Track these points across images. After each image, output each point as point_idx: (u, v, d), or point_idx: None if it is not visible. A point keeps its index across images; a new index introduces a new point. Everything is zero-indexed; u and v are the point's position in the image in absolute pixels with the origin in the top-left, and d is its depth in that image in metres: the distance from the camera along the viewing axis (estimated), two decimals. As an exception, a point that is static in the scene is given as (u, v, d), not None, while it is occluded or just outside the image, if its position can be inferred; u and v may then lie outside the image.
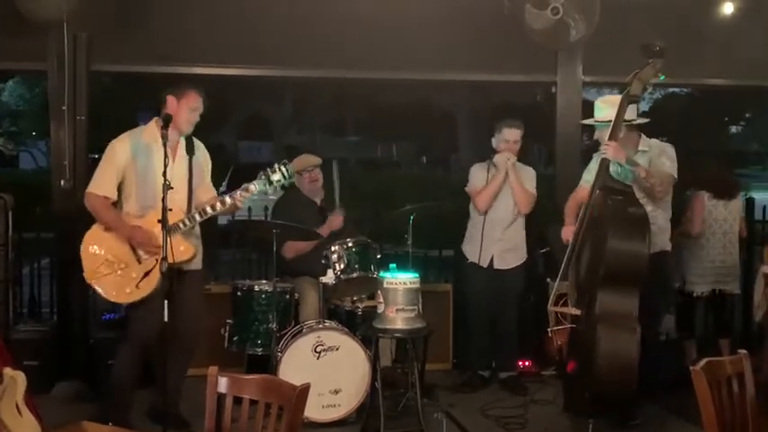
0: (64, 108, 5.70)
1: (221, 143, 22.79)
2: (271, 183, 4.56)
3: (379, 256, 5.21)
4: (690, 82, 8.82)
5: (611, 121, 4.71)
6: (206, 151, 4.86)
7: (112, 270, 4.54)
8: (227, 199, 4.57)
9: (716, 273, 6.00)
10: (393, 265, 4.75)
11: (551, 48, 6.14)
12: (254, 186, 4.56)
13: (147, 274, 4.50)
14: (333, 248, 5.11)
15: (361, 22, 6.08)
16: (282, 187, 4.70)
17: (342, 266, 5.05)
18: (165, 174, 4.13)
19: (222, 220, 7.75)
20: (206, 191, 4.80)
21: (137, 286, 4.50)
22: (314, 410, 4.85)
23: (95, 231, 4.62)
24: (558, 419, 5.05)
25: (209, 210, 4.56)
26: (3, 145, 25.93)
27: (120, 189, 4.62)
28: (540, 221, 6.23)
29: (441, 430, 4.33)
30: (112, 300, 4.62)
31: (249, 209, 7.36)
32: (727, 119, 26.42)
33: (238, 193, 4.55)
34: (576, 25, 5.76)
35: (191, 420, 4.70)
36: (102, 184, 4.59)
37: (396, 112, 23.40)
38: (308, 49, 6.15)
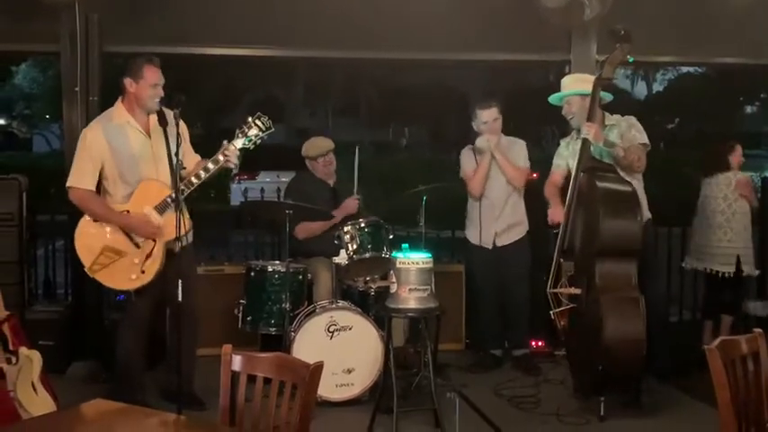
0: (76, 89, 5.71)
1: (232, 126, 22.70)
2: (250, 139, 4.55)
3: (391, 237, 5.21)
4: (704, 61, 8.71)
5: (577, 93, 5.00)
6: (179, 117, 4.61)
7: (111, 260, 4.50)
8: (210, 165, 4.51)
9: (707, 252, 5.95)
10: (406, 245, 4.74)
11: (565, 26, 6.09)
12: (234, 145, 4.53)
13: (147, 256, 4.49)
14: (345, 229, 5.11)
15: (374, 2, 6.04)
16: (262, 140, 4.62)
17: (354, 247, 5.05)
18: (177, 154, 4.16)
19: (235, 202, 7.76)
20: (190, 157, 4.75)
21: (141, 271, 4.49)
22: (327, 390, 4.88)
23: (85, 225, 4.57)
24: (571, 399, 5.06)
25: (194, 180, 4.51)
26: (17, 128, 26.06)
27: (101, 176, 4.56)
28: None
29: (453, 410, 4.32)
30: (119, 288, 4.63)
31: (262, 189, 7.38)
32: (742, 99, 26.18)
33: (219, 155, 4.50)
34: (590, 3, 5.71)
35: (205, 399, 4.73)
36: (81, 177, 4.54)
37: (409, 93, 23.28)
38: (320, 30, 6.11)
